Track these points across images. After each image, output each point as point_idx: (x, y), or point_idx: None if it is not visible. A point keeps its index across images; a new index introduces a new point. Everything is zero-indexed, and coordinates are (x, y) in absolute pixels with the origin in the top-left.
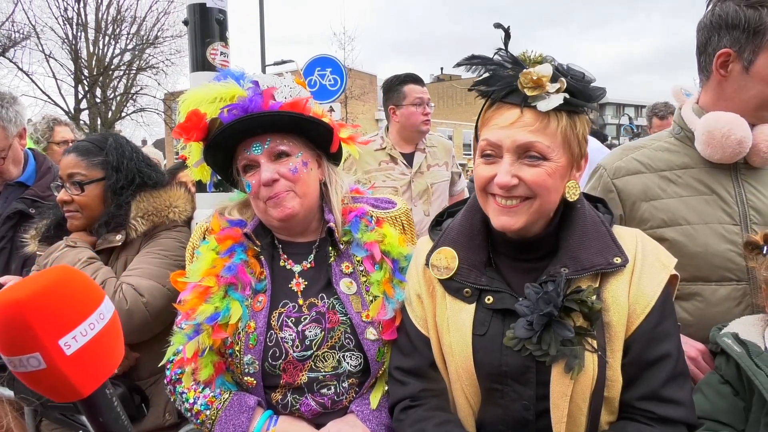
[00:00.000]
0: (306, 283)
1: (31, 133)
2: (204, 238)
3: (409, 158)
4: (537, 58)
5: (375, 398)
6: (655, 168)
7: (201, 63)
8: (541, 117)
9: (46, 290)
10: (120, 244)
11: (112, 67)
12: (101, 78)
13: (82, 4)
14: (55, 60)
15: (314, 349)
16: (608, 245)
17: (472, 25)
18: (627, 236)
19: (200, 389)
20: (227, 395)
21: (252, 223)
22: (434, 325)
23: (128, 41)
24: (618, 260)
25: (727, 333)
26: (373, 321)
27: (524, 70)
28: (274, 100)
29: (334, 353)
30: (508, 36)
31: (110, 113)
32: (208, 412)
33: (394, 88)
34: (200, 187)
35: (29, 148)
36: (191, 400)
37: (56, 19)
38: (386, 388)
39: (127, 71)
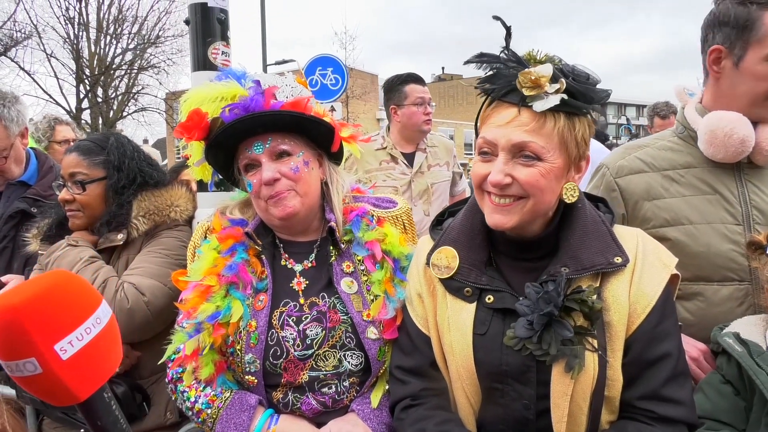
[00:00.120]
0: (307, 282)
1: (32, 133)
2: (205, 237)
3: (409, 158)
4: (543, 57)
5: (376, 397)
6: (658, 167)
7: (202, 62)
8: (538, 117)
9: (42, 295)
10: (121, 243)
11: (114, 66)
12: (103, 77)
13: (83, 4)
14: (57, 59)
15: (315, 348)
16: (609, 245)
17: (473, 26)
18: (628, 236)
19: (201, 388)
20: (228, 394)
21: (253, 222)
22: (435, 324)
23: (130, 41)
24: (618, 260)
25: (728, 333)
26: (374, 320)
27: (524, 70)
28: (276, 100)
29: (335, 352)
30: (509, 34)
31: (112, 113)
32: (209, 411)
33: (396, 87)
34: (201, 186)
35: (31, 148)
36: (192, 399)
37: (58, 18)
38: (387, 387)
39: (128, 71)
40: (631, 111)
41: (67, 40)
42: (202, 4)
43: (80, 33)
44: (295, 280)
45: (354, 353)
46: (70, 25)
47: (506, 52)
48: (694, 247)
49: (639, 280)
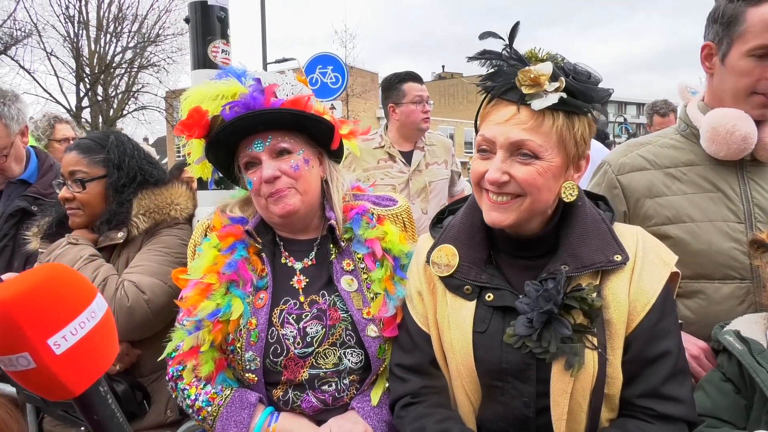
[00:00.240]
0: (307, 280)
1: (32, 131)
2: (205, 235)
3: (407, 156)
4: (544, 56)
5: (376, 395)
6: (660, 165)
7: (202, 61)
8: (536, 115)
9: (35, 289)
10: (122, 241)
11: (114, 64)
12: (103, 76)
13: (83, 2)
14: (57, 58)
15: (315, 346)
16: (609, 243)
17: (473, 26)
18: (628, 234)
19: (201, 386)
20: (228, 392)
21: (253, 220)
22: (435, 322)
23: (129, 39)
24: (618, 258)
25: (729, 331)
26: (374, 318)
27: (524, 68)
28: (276, 98)
29: (335, 350)
30: (514, 32)
31: (112, 111)
32: (209, 409)
33: (394, 86)
34: (201, 184)
35: (31, 146)
36: (193, 397)
37: (58, 17)
38: (387, 384)
39: (128, 69)
40: (632, 109)
41: (67, 38)
42: (202, 3)
43: (80, 31)
44: (295, 277)
45: (354, 351)
46: (70, 24)
47: (508, 49)
48: (696, 245)
49: (639, 277)
